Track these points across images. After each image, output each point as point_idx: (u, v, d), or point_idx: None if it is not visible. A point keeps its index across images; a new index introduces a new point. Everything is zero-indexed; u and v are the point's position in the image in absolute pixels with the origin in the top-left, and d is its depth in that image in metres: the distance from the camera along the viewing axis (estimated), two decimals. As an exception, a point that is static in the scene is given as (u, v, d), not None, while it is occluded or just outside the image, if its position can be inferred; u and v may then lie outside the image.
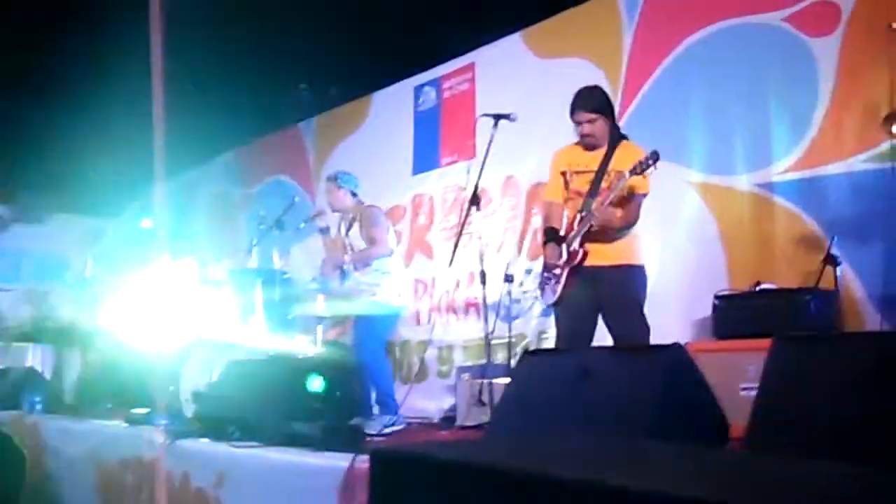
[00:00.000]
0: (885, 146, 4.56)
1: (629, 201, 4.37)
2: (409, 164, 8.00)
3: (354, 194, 5.97)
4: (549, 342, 6.37)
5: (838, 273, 4.57)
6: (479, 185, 4.78)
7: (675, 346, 3.06)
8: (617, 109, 6.07)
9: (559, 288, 4.41)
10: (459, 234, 5.07)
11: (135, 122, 6.69)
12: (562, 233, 4.49)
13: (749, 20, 5.47)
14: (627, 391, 2.90)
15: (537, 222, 6.60)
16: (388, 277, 5.73)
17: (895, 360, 2.37)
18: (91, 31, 7.31)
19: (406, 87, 8.14)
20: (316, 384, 4.05)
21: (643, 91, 6.02)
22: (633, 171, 4.19)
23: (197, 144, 9.23)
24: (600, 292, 4.34)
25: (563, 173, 4.60)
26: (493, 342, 5.68)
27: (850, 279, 4.74)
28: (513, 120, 4.79)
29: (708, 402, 2.95)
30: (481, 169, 4.79)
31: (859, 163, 4.84)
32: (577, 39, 6.56)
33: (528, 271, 6.50)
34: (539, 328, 6.47)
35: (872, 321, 4.53)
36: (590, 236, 4.35)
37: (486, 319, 4.84)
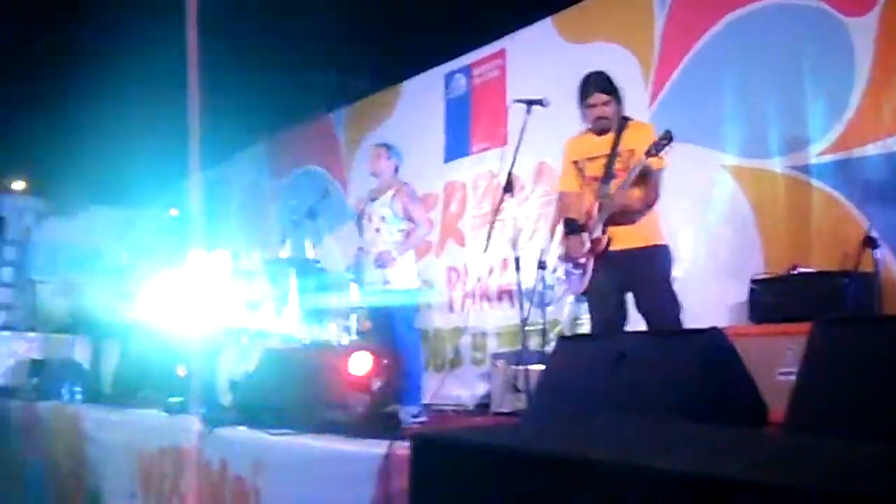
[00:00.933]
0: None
1: (647, 181, 4.31)
2: (441, 152, 7.99)
3: (397, 169, 5.95)
4: (584, 328, 6.35)
5: (877, 255, 4.50)
6: (512, 172, 4.76)
7: (713, 330, 3.04)
8: (648, 93, 6.08)
9: (586, 278, 4.39)
10: (493, 221, 5.06)
11: (166, 113, 6.77)
12: (581, 222, 4.45)
13: (782, 1, 5.40)
14: (664, 375, 2.89)
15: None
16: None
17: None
18: (124, 23, 7.40)
19: (436, 74, 8.13)
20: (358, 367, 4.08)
21: (675, 74, 5.97)
22: (649, 153, 4.13)
23: (228, 135, 9.29)
24: (627, 275, 4.31)
25: (576, 162, 4.57)
26: (527, 329, 5.68)
27: (890, 261, 4.68)
28: (546, 105, 4.76)
29: (746, 386, 2.93)
30: (515, 155, 4.78)
31: (898, 144, 4.77)
32: (609, 24, 6.52)
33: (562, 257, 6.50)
34: (573, 314, 6.45)
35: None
36: (611, 221, 4.31)
37: (521, 306, 4.83)
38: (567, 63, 6.70)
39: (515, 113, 4.98)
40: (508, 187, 4.78)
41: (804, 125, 5.23)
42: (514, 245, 4.97)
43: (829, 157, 5.11)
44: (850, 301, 4.31)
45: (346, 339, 6.15)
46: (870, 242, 4.49)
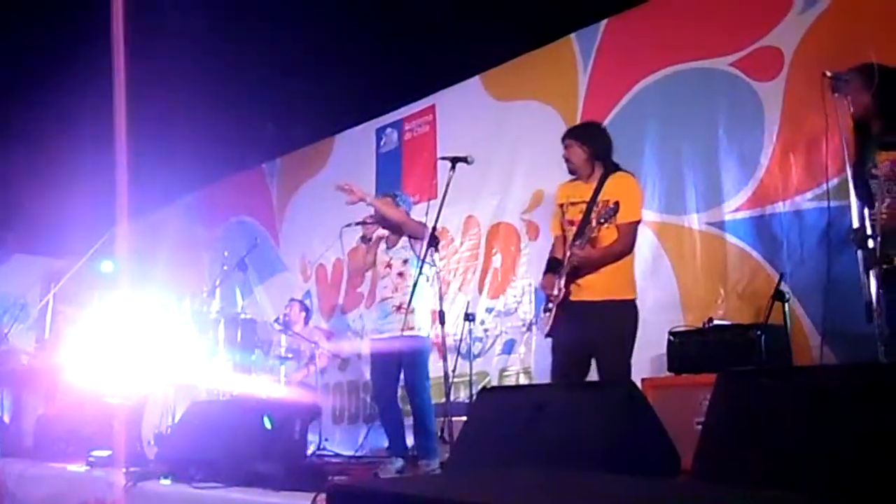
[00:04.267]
0: (829, 185, 4.72)
1: (618, 230, 4.40)
2: (372, 206, 8.08)
3: (408, 216, 5.71)
4: (511, 380, 6.47)
5: (786, 309, 4.71)
6: (439, 226, 4.86)
7: (626, 383, 3.16)
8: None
9: (551, 321, 4.47)
10: (418, 275, 5.15)
11: (97, 163, 6.75)
12: (563, 264, 4.53)
13: (699, 65, 5.67)
14: (580, 427, 2.99)
15: (497, 261, 6.73)
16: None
17: (832, 392, 2.49)
18: (55, 73, 7.36)
19: (368, 129, 8.27)
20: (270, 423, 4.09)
21: (598, 133, 6.17)
22: (599, 221, 4.27)
23: (161, 185, 9.27)
24: (589, 328, 4.36)
25: (562, 206, 4.68)
26: (455, 380, 5.75)
27: (800, 314, 4.90)
28: (470, 163, 4.89)
29: (658, 437, 3.05)
30: (439, 211, 4.89)
31: (805, 201, 5.03)
32: (534, 83, 6.74)
33: (489, 310, 6.61)
34: (500, 366, 6.56)
35: (825, 355, 4.65)
36: (575, 272, 4.41)
37: (444, 358, 4.89)
38: (494, 120, 6.93)
39: (444, 168, 5.11)
40: (433, 241, 4.88)
41: (719, 183, 5.47)
42: (440, 299, 5.04)
43: (742, 214, 5.34)
44: (763, 353, 4.47)
45: (273, 391, 6.13)
46: (780, 296, 4.70)
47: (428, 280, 5.36)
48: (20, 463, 6.01)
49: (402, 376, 5.44)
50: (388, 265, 5.59)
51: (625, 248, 4.45)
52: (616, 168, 4.61)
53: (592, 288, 4.40)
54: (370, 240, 5.71)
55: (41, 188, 9.34)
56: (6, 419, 8.32)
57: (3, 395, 8.68)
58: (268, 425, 4.11)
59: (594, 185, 4.55)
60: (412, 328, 5.35)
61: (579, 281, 4.41)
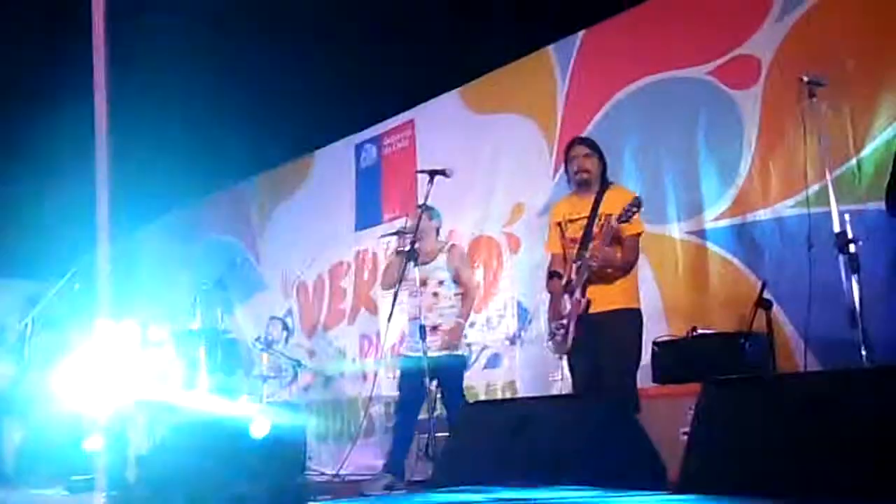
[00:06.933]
0: (809, 191, 4.72)
1: (623, 242, 4.42)
2: (353, 221, 8.06)
3: (437, 232, 5.62)
4: (497, 393, 6.43)
5: (770, 316, 4.69)
6: (416, 241, 4.81)
7: (610, 395, 3.13)
8: (552, 161, 6.26)
9: (569, 338, 4.39)
10: (398, 290, 5.10)
11: (74, 182, 6.67)
12: (564, 279, 4.51)
13: (676, 74, 5.68)
14: (564, 439, 2.96)
15: (479, 275, 6.68)
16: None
17: (818, 398, 2.47)
18: (32, 95, 7.31)
19: (347, 144, 8.24)
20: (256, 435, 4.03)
21: (578, 144, 6.16)
22: (620, 219, 4.26)
23: (139, 205, 9.18)
24: (602, 338, 4.35)
25: (559, 224, 4.66)
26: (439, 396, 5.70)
27: (783, 321, 4.88)
28: (448, 176, 4.86)
29: (643, 448, 3.02)
30: (417, 224, 4.86)
31: (786, 208, 5.03)
32: (513, 95, 6.74)
33: (472, 324, 6.57)
34: (485, 380, 6.52)
35: (809, 361, 4.64)
36: (591, 281, 4.38)
37: (427, 374, 4.85)
38: (473, 133, 6.91)
39: (424, 182, 5.08)
40: (412, 256, 4.84)
41: (699, 192, 5.47)
42: (420, 313, 5.00)
43: (723, 222, 5.34)
44: (747, 361, 4.45)
45: (255, 410, 6.06)
46: (763, 303, 4.68)
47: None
48: (0, 491, 5.92)
49: (434, 394, 5.31)
50: (424, 282, 5.37)
51: (635, 258, 4.49)
52: (609, 182, 4.62)
53: (605, 297, 4.39)
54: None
55: (16, 211, 9.27)
56: (-15, 446, 8.21)
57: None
58: (254, 434, 4.05)
59: (591, 199, 4.53)
60: (450, 348, 5.29)
61: (592, 291, 4.37)
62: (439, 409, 5.46)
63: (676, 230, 5.55)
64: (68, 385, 6.89)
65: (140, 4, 6.06)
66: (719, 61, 5.43)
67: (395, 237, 5.57)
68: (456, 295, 5.44)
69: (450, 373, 5.28)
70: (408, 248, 5.27)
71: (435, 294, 5.39)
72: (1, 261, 10.71)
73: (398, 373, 5.63)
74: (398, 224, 6.85)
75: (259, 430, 4.08)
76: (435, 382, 5.28)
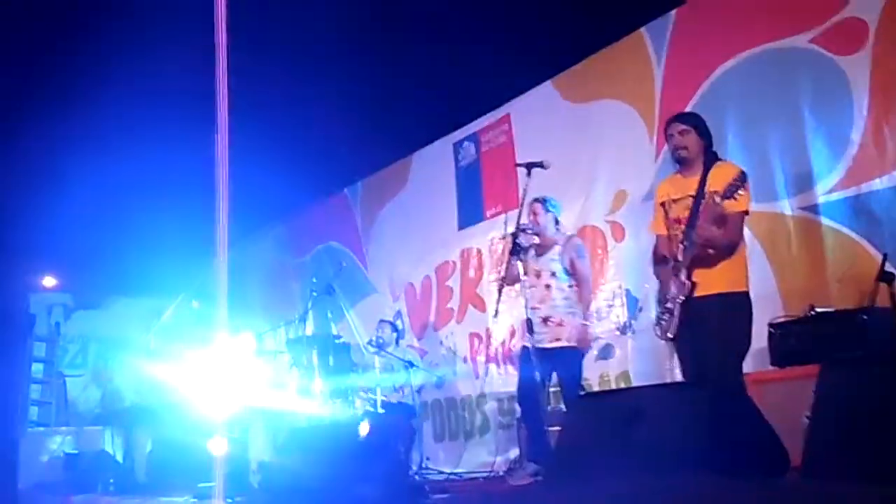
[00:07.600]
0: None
1: (725, 223, 4.20)
2: (455, 220, 8.07)
3: (557, 222, 5.61)
4: (611, 384, 6.33)
5: (894, 290, 4.46)
6: (518, 235, 4.77)
7: (726, 380, 3.03)
8: (654, 145, 6.13)
9: (674, 323, 4.24)
10: (502, 285, 5.07)
11: (186, 202, 6.89)
12: (671, 262, 4.34)
13: (776, 45, 5.46)
14: (679, 429, 2.88)
15: (585, 265, 6.59)
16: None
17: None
18: (146, 118, 7.57)
19: (445, 143, 8.26)
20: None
21: (678, 125, 6.02)
22: (725, 196, 4.05)
23: (247, 219, 9.42)
24: (711, 322, 4.17)
25: (663, 204, 4.49)
26: (552, 389, 5.64)
27: (909, 295, 4.63)
28: (546, 167, 4.80)
29: (763, 434, 2.91)
30: (518, 218, 4.82)
31: (905, 174, 4.78)
32: (608, 81, 6.63)
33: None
34: (599, 370, 6.42)
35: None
36: (696, 263, 4.21)
37: (536, 368, 4.80)
38: (570, 123, 6.83)
39: (523, 176, 5.03)
40: (516, 250, 4.79)
41: (809, 165, 5.25)
42: (526, 307, 4.95)
43: (836, 195, 5.11)
44: (870, 338, 4.24)
45: (369, 413, 6.14)
46: (885, 277, 4.46)
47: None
48: (133, 499, 6.16)
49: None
50: (538, 274, 5.40)
51: (739, 237, 4.26)
52: (716, 157, 4.40)
53: (712, 282, 4.19)
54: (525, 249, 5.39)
55: (137, 232, 9.63)
56: (119, 458, 8.58)
57: (114, 435, 8.97)
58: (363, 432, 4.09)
59: (697, 177, 4.33)
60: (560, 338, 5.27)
61: (697, 274, 4.19)
62: (553, 402, 5.43)
63: (787, 207, 5.34)
64: (192, 395, 7.12)
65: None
66: (822, 27, 5.19)
67: (508, 234, 5.44)
68: (570, 287, 5.39)
69: (567, 365, 5.24)
70: (526, 243, 5.26)
71: (547, 286, 5.35)
72: (122, 281, 11.20)
73: (517, 366, 5.59)
74: (502, 219, 6.83)
75: (369, 431, 4.12)
76: (554, 375, 5.27)
